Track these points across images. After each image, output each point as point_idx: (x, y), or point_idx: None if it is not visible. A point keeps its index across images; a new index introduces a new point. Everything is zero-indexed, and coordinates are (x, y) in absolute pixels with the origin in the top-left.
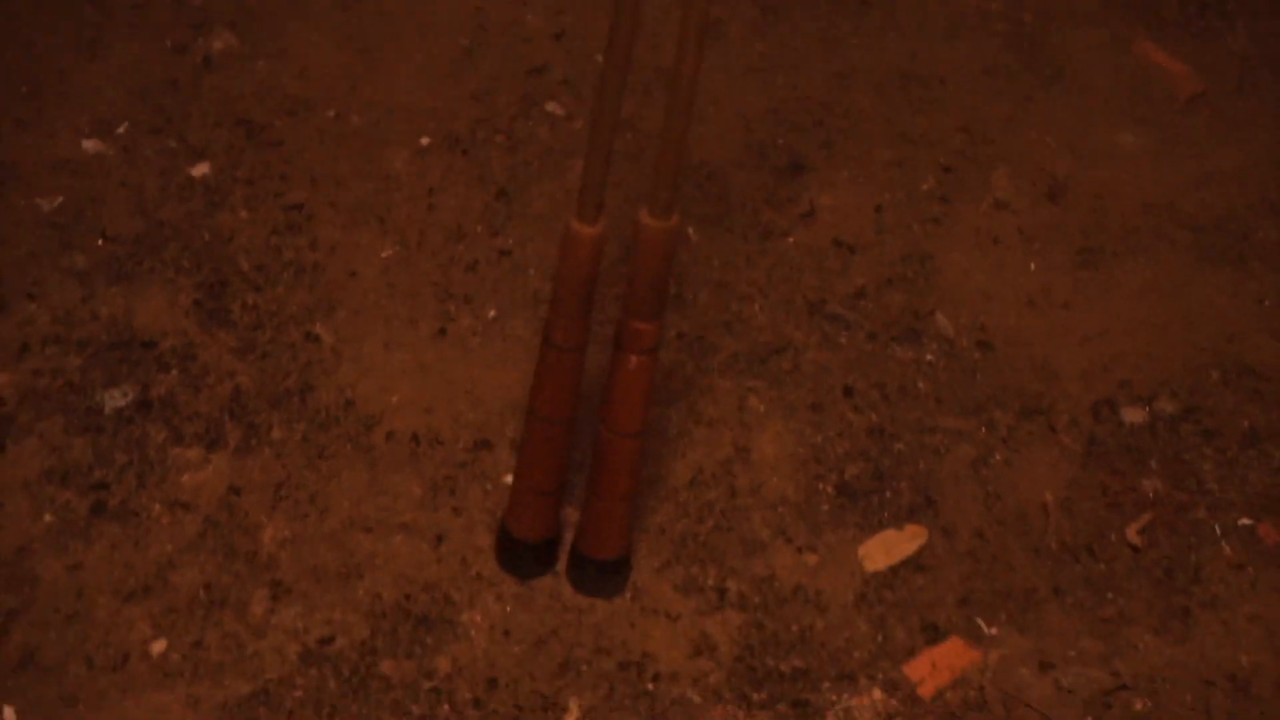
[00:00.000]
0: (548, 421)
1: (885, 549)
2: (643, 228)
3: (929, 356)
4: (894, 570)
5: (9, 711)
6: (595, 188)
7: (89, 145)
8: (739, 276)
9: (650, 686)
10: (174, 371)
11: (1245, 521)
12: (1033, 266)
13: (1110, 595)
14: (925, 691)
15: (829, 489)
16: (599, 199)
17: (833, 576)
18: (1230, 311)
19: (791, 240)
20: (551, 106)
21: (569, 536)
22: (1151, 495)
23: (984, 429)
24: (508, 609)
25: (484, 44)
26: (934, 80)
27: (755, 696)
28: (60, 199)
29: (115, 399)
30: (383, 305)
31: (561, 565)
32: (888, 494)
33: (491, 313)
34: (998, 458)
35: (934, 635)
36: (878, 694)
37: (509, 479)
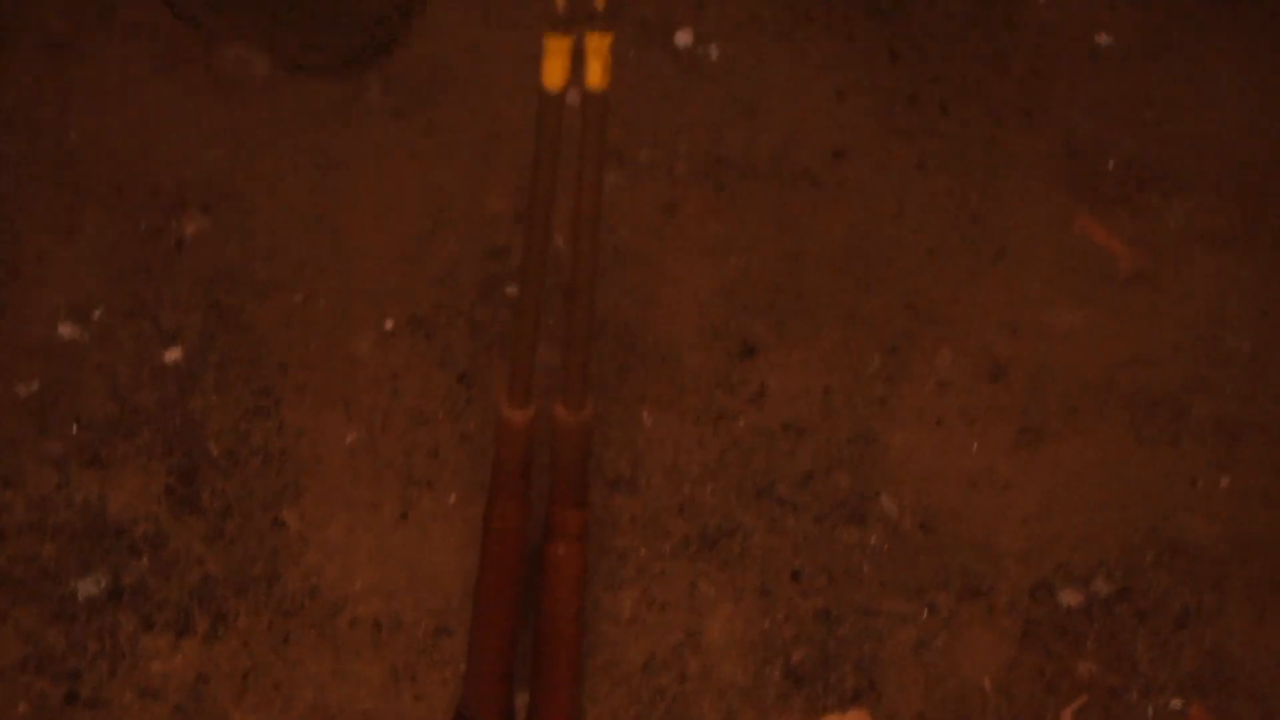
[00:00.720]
0: (492, 605)
1: None
2: (557, 422)
3: (874, 539)
4: None
5: None
6: (524, 374)
7: (65, 330)
8: (691, 459)
9: None
10: (145, 558)
11: (1176, 703)
12: (975, 447)
13: None
14: None
15: (776, 674)
16: (528, 385)
17: None
18: (1164, 491)
19: (742, 423)
20: (512, 289)
21: None
22: (1087, 677)
23: (926, 611)
24: None
25: (446, 225)
26: (882, 260)
27: None
28: (36, 384)
29: (88, 587)
30: (347, 490)
31: None
32: (832, 678)
33: (452, 497)
34: (939, 641)
35: None
36: None
37: None
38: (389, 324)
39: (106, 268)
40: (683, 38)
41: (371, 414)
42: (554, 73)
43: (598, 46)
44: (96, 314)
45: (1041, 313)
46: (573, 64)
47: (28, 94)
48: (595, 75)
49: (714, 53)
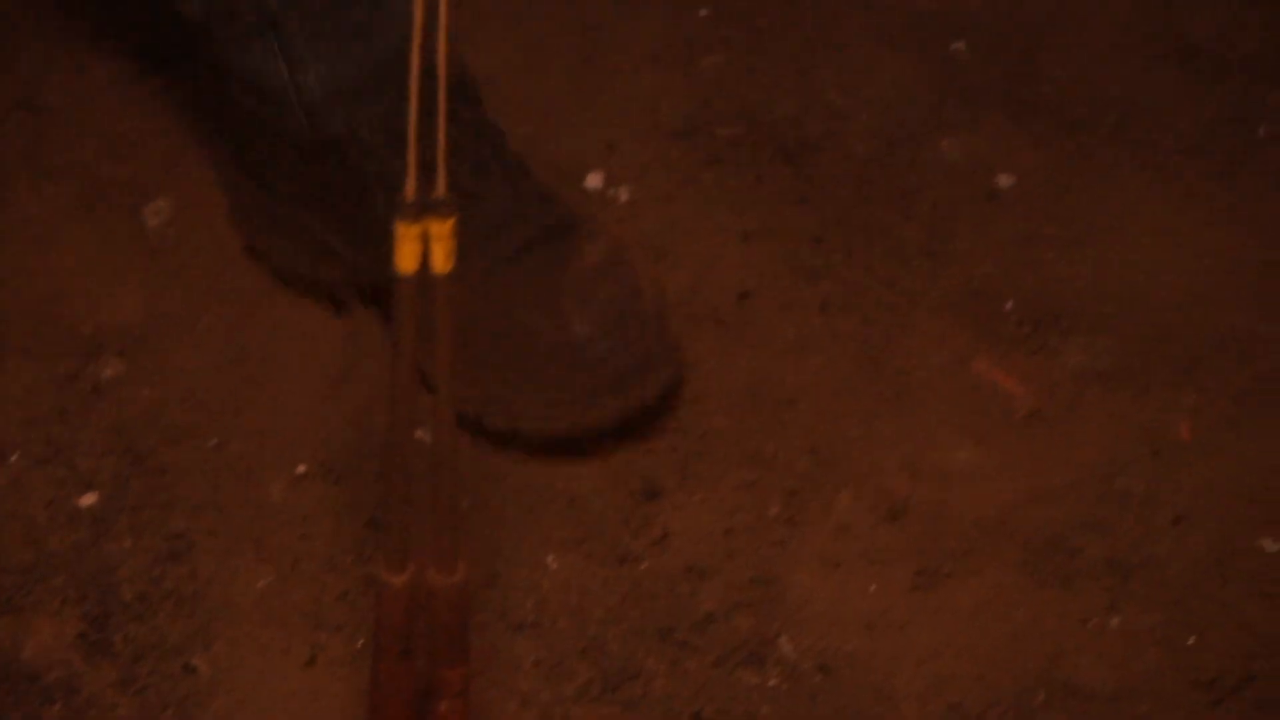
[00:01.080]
0: None
1: None
2: (433, 585)
3: (773, 681)
4: None
5: None
6: (397, 543)
7: None
8: (595, 602)
9: None
10: (58, 704)
11: None
12: (872, 588)
13: None
14: None
15: None
16: (403, 551)
17: None
18: (1057, 631)
19: (645, 566)
20: (421, 434)
21: None
22: None
23: None
24: None
25: (360, 368)
26: (784, 401)
27: None
28: None
29: None
30: (257, 634)
31: None
32: None
33: (360, 642)
34: None
35: None
36: None
37: None
38: (301, 468)
39: (23, 413)
40: (593, 180)
41: (282, 558)
42: (405, 258)
43: (439, 233)
44: (13, 458)
45: (940, 453)
46: (424, 248)
47: None
48: (437, 260)
49: (624, 195)
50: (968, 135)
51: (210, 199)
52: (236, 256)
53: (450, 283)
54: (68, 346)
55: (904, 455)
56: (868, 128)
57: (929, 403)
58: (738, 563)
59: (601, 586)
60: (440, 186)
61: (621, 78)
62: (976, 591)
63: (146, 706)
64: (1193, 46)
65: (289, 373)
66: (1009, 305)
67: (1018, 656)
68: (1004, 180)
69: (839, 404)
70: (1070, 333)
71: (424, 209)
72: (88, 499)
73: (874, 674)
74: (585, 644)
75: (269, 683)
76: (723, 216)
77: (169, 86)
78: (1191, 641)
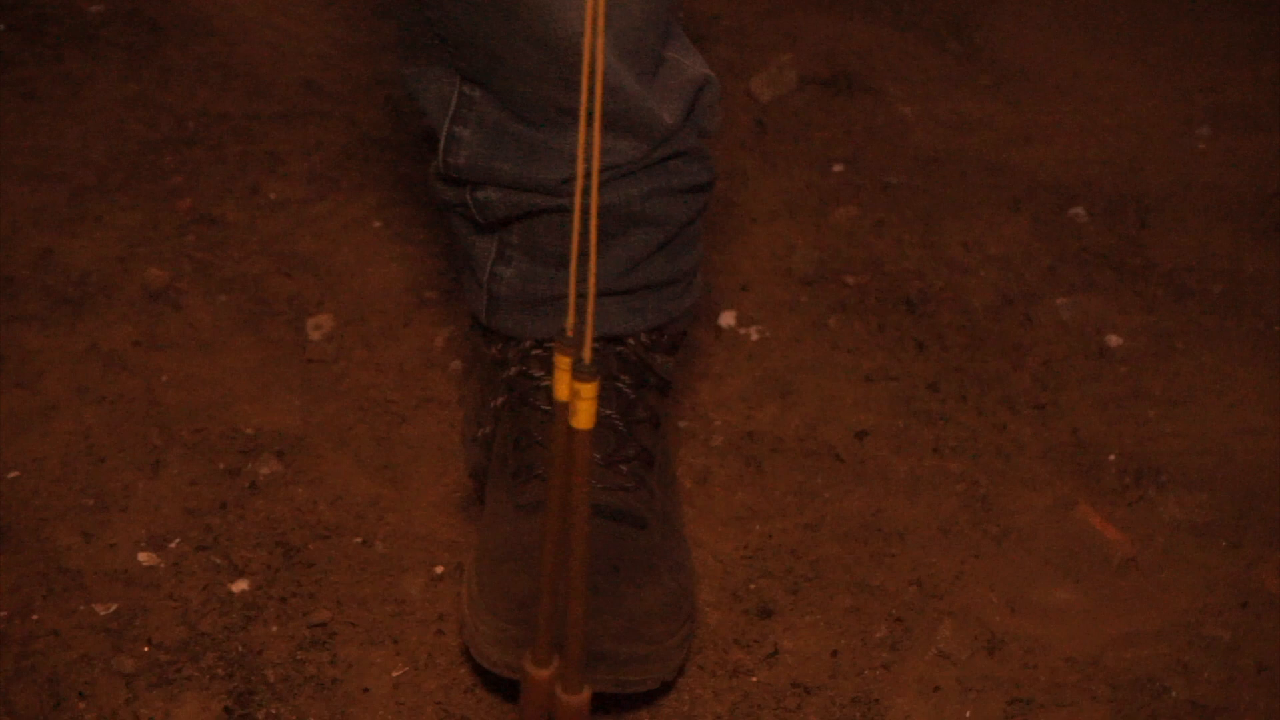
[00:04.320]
0: None
1: None
2: (557, 701)
3: None
4: None
5: None
6: (545, 642)
7: (143, 558)
8: (705, 711)
9: None
10: None
11: None
12: (967, 714)
13: None
14: None
15: None
16: (549, 648)
17: None
18: None
19: (755, 679)
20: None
21: None
22: None
23: None
24: None
25: None
26: (894, 534)
27: None
28: (115, 606)
29: None
30: None
31: None
32: None
33: None
34: None
35: None
36: None
37: None
38: (438, 569)
39: (185, 504)
40: (726, 319)
41: (417, 651)
42: (560, 386)
43: (586, 393)
44: (173, 544)
45: (1039, 591)
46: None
47: (126, 339)
48: (582, 418)
49: (754, 335)
50: (1081, 295)
51: (367, 317)
52: (388, 373)
53: (589, 439)
54: (229, 445)
55: (1004, 592)
56: (986, 283)
57: (1031, 544)
58: (841, 682)
59: (713, 696)
60: (586, 354)
61: (758, 225)
62: None
63: None
64: None
65: (428, 483)
66: (1111, 457)
67: None
68: (1113, 340)
69: (946, 540)
70: (1168, 486)
71: (578, 364)
72: (240, 585)
73: None
74: None
75: None
76: (845, 359)
77: (335, 211)
78: None
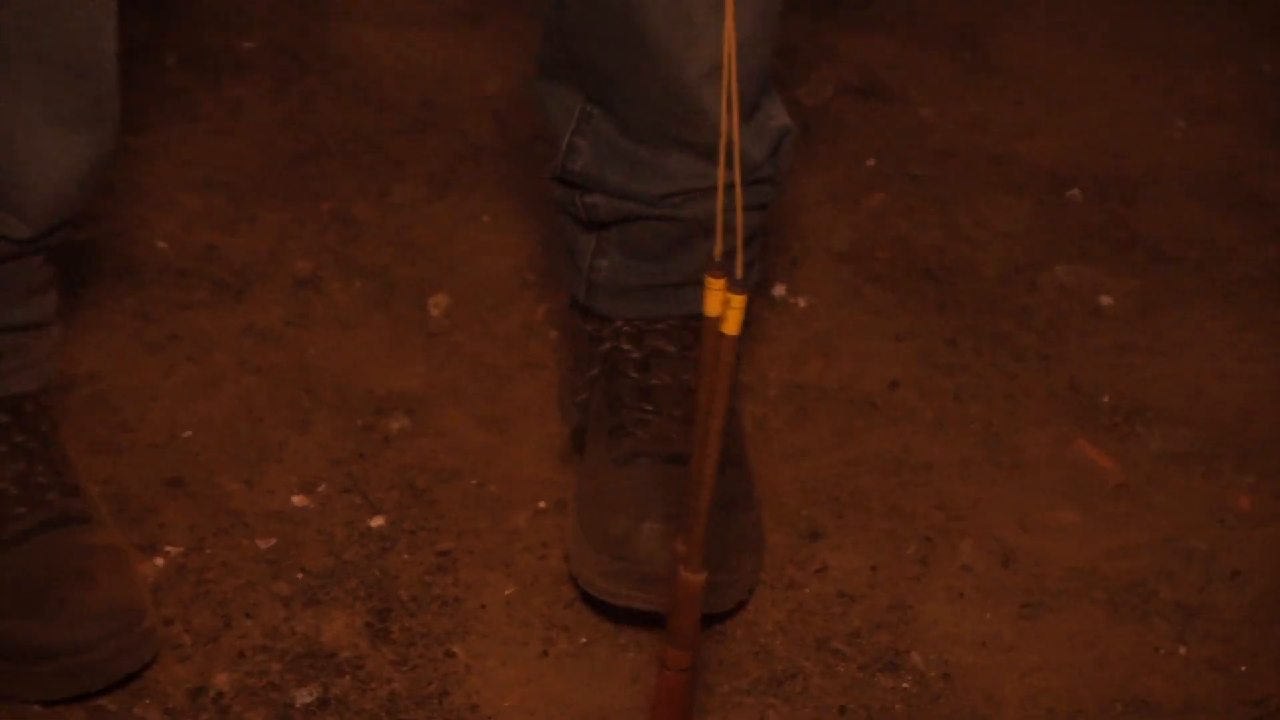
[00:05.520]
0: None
1: None
2: (680, 580)
3: (905, 685)
4: None
5: None
6: (701, 536)
7: (296, 500)
8: (766, 618)
9: None
10: (347, 677)
11: None
12: (987, 616)
13: None
14: None
15: None
16: (702, 552)
17: None
18: (1133, 657)
19: (806, 590)
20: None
21: None
22: None
23: None
24: None
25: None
26: (921, 467)
27: None
28: (273, 541)
29: (303, 696)
30: (503, 631)
31: None
32: None
33: (583, 640)
34: None
35: None
36: None
37: None
38: (541, 504)
39: (330, 453)
40: (779, 290)
41: (525, 573)
42: (712, 304)
43: (736, 303)
44: (320, 488)
45: (1044, 513)
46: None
47: (278, 319)
48: (731, 324)
49: (802, 303)
50: (1077, 264)
51: (478, 296)
52: (496, 342)
53: (735, 344)
54: (365, 405)
55: (1015, 514)
56: (995, 255)
57: (1037, 473)
58: (879, 592)
59: (771, 604)
60: (739, 269)
61: (804, 212)
62: (1070, 623)
63: (416, 681)
64: (1260, 198)
65: (531, 434)
66: (1105, 399)
67: (1101, 675)
68: (1105, 300)
69: (965, 471)
70: (1153, 423)
71: (729, 279)
72: (376, 521)
73: (985, 683)
74: (756, 649)
75: (510, 668)
76: (878, 321)
77: (450, 209)
78: (1244, 669)
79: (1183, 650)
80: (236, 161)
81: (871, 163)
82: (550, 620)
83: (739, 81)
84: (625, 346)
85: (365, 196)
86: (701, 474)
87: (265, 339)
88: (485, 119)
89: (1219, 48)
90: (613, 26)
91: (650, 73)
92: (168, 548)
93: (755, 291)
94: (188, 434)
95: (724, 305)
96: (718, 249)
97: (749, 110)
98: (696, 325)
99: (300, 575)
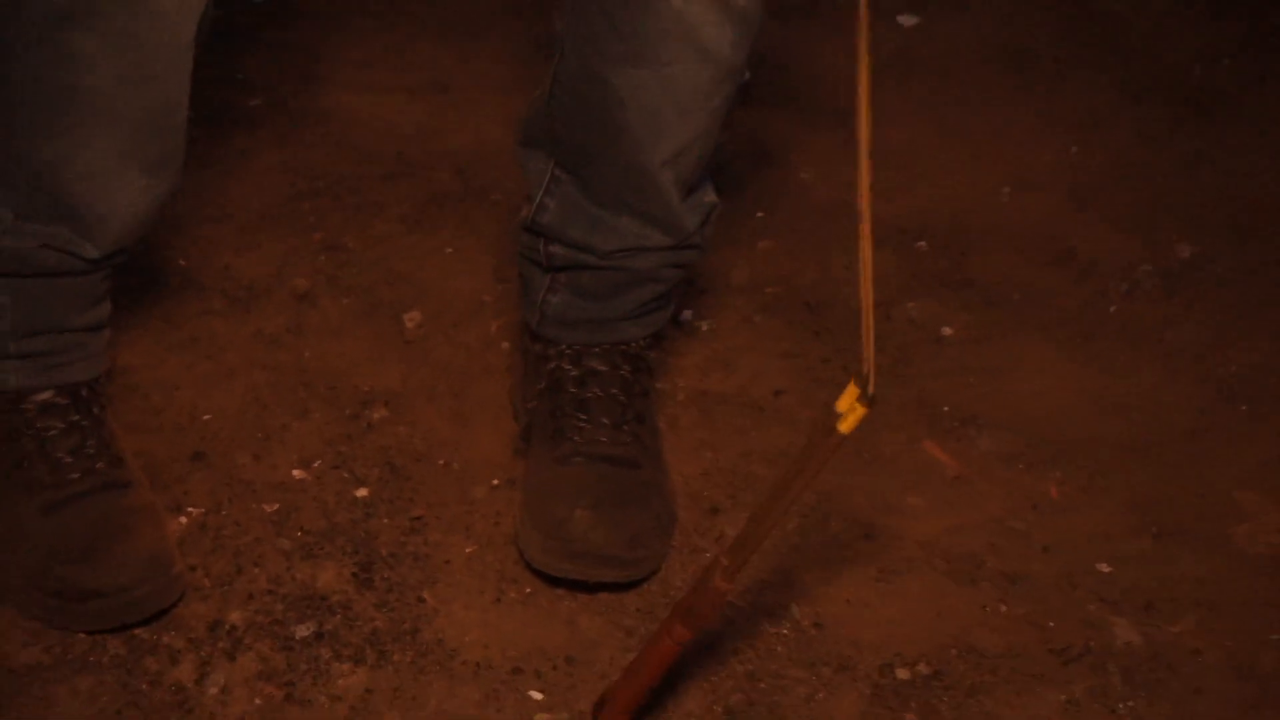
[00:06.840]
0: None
1: None
2: (710, 586)
3: (784, 631)
4: None
5: None
6: (745, 558)
7: (296, 473)
8: (676, 576)
9: None
10: (338, 616)
11: None
12: (852, 579)
13: None
14: None
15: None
16: (741, 565)
17: None
18: (966, 613)
19: (709, 555)
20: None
21: None
22: None
23: (814, 678)
24: None
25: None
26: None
27: None
28: (277, 505)
29: (302, 630)
30: (464, 582)
31: None
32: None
33: (528, 590)
34: (820, 695)
35: None
36: None
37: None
38: (495, 482)
39: (323, 436)
40: (687, 314)
41: (482, 535)
42: (844, 399)
43: (856, 409)
44: (315, 464)
45: (897, 498)
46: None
47: (281, 327)
48: (846, 425)
49: (705, 326)
50: (924, 301)
51: (445, 312)
52: (460, 350)
53: (839, 441)
54: (352, 399)
55: (875, 498)
56: (860, 294)
57: (892, 466)
58: (766, 558)
59: (680, 568)
60: (871, 388)
61: (709, 254)
62: (916, 586)
63: (393, 620)
64: (1070, 254)
65: (489, 425)
66: (946, 409)
67: (941, 627)
68: (946, 331)
69: (835, 464)
70: (984, 428)
71: (863, 394)
72: (361, 492)
73: (849, 630)
74: (668, 601)
75: (470, 611)
76: (767, 343)
77: (420, 242)
78: (1051, 624)
79: (1004, 609)
80: (244, 199)
81: (761, 215)
82: (502, 574)
83: (689, 170)
84: (566, 366)
85: (351, 230)
86: (762, 526)
87: (270, 343)
88: (450, 170)
89: (1038, 132)
90: (594, 117)
91: (618, 155)
92: (191, 509)
93: (670, 321)
94: (207, 417)
95: (850, 410)
96: (868, 368)
97: (689, 190)
98: (625, 350)
99: (299, 534)
